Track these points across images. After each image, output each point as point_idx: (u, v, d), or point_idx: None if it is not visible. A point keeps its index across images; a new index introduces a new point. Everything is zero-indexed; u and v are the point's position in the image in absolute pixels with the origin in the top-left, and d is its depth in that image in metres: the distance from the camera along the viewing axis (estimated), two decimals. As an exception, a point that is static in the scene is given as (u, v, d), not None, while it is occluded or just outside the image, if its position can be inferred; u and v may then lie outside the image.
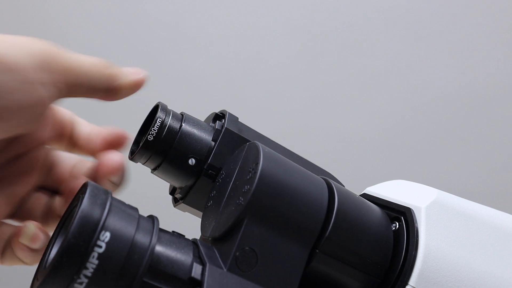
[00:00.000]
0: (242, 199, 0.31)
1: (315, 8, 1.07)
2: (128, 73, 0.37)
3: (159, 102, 0.42)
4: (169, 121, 0.41)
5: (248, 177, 0.32)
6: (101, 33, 1.10)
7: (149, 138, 0.40)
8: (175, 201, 0.45)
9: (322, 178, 0.35)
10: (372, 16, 1.07)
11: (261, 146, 0.33)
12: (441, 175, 1.09)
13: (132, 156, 0.41)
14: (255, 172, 0.31)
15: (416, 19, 1.06)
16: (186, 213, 0.46)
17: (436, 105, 1.08)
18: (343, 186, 0.37)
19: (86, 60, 0.35)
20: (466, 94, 1.07)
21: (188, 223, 0.59)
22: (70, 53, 0.34)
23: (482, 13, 1.05)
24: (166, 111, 0.41)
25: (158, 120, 0.40)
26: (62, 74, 0.32)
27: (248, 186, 0.31)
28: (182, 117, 0.42)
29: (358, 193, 0.39)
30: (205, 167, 0.40)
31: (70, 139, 0.39)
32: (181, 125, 0.41)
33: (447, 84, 1.08)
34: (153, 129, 0.40)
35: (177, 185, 0.43)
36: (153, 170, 0.42)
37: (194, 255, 0.30)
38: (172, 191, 0.46)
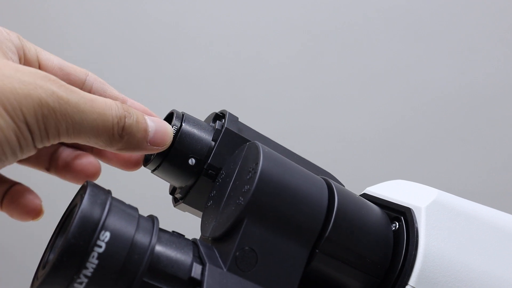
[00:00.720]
0: (242, 199, 0.31)
1: (315, 8, 1.07)
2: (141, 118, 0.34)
3: (173, 110, 0.43)
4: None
5: (248, 177, 0.32)
6: (101, 34, 1.10)
7: None
8: (175, 201, 0.45)
9: (322, 178, 0.35)
10: (372, 16, 1.07)
11: (261, 146, 0.33)
12: (441, 175, 1.09)
13: (147, 163, 0.42)
14: (255, 172, 0.31)
15: (416, 19, 1.06)
16: (186, 213, 0.46)
17: (436, 105, 1.08)
18: (343, 186, 0.37)
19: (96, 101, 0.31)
20: (466, 94, 1.07)
21: (188, 223, 0.59)
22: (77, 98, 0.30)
23: (482, 13, 1.05)
24: (179, 117, 0.42)
25: (173, 128, 0.40)
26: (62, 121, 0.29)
27: (248, 186, 0.31)
28: (182, 117, 0.42)
29: (358, 193, 0.39)
30: (205, 167, 0.40)
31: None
32: (181, 125, 0.41)
33: (447, 84, 1.08)
34: None
35: (177, 185, 0.43)
36: (153, 170, 0.42)
37: (194, 255, 0.30)
38: (172, 191, 0.46)
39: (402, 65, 1.08)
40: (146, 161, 0.42)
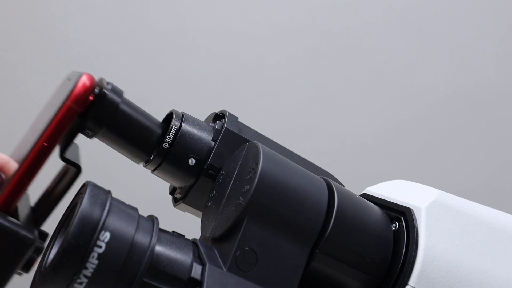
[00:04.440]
0: (242, 199, 0.31)
1: (315, 9, 1.07)
2: None
3: (173, 110, 0.42)
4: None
5: (248, 177, 0.32)
6: (101, 34, 1.10)
7: (164, 146, 0.40)
8: (175, 201, 0.45)
9: (322, 178, 0.35)
10: (372, 17, 1.07)
11: (261, 146, 0.33)
12: (441, 175, 1.09)
13: (147, 163, 0.42)
14: (255, 172, 0.31)
15: (416, 20, 1.06)
16: (186, 213, 0.46)
17: (436, 105, 1.08)
18: (343, 186, 0.37)
19: None
20: (466, 94, 1.07)
21: (188, 223, 0.59)
22: None
23: (483, 14, 1.05)
24: (179, 117, 0.41)
25: (173, 128, 0.40)
26: None
27: (248, 186, 0.31)
28: (182, 117, 0.42)
29: (358, 193, 0.39)
30: (205, 167, 0.40)
31: None
32: (181, 125, 0.41)
33: (447, 85, 1.08)
34: (168, 137, 0.40)
35: (177, 185, 0.43)
36: (153, 170, 0.42)
37: (194, 255, 0.30)
38: (172, 191, 0.46)
39: (402, 65, 1.08)
40: (146, 161, 0.42)
